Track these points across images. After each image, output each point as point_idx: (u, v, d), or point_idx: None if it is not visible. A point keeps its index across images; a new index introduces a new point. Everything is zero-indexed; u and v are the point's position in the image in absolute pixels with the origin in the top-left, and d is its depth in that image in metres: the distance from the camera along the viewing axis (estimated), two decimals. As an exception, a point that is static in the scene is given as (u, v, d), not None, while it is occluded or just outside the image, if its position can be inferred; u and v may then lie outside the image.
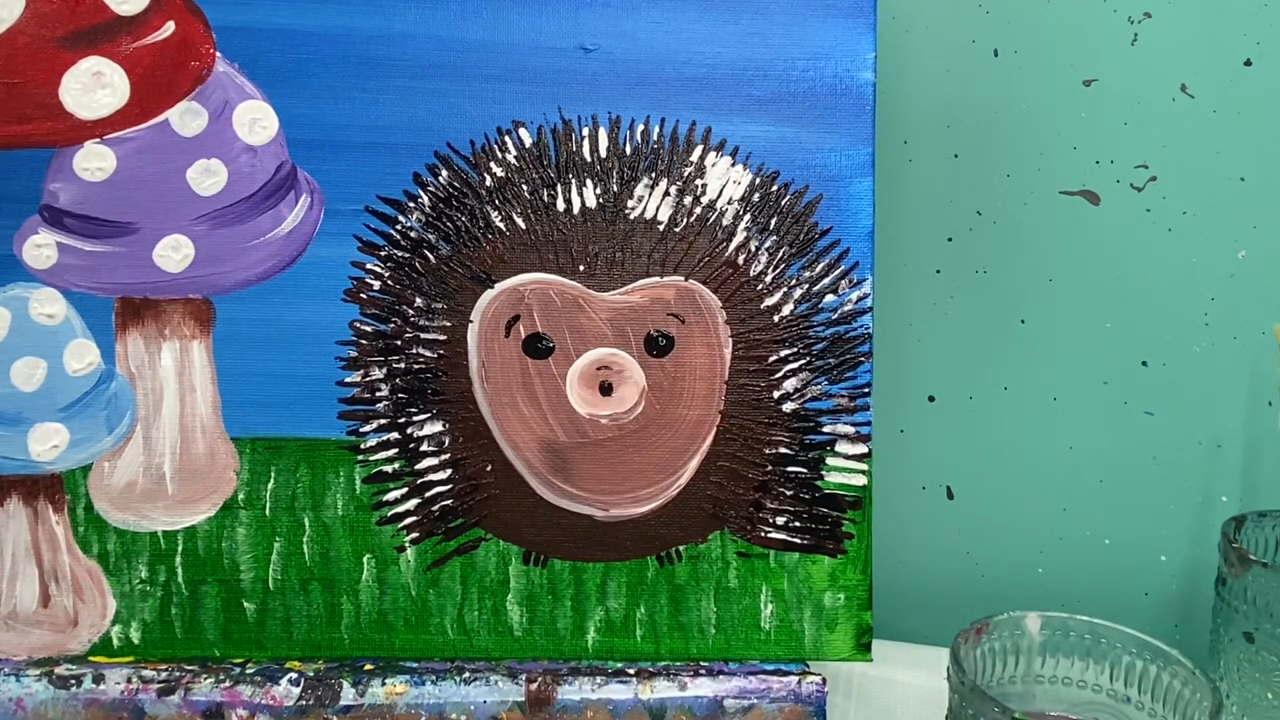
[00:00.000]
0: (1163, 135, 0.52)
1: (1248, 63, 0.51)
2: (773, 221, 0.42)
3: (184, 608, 0.43)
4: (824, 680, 0.42)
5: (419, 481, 0.43)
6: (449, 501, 0.43)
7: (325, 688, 0.42)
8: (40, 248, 0.42)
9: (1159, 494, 0.55)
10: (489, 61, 0.42)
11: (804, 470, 0.43)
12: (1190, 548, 0.56)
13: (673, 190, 0.42)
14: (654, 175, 0.42)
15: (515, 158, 0.42)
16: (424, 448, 0.42)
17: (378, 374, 0.42)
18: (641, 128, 0.42)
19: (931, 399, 0.56)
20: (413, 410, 0.42)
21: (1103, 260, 0.54)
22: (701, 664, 0.43)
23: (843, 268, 0.42)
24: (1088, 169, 0.53)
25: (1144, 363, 0.54)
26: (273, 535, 0.43)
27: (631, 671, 0.42)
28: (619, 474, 0.42)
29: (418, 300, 0.42)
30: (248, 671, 0.42)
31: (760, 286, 0.42)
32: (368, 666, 0.43)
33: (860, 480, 0.43)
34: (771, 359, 0.42)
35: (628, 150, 0.42)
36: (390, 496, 0.43)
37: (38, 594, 0.43)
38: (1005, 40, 0.52)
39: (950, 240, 0.55)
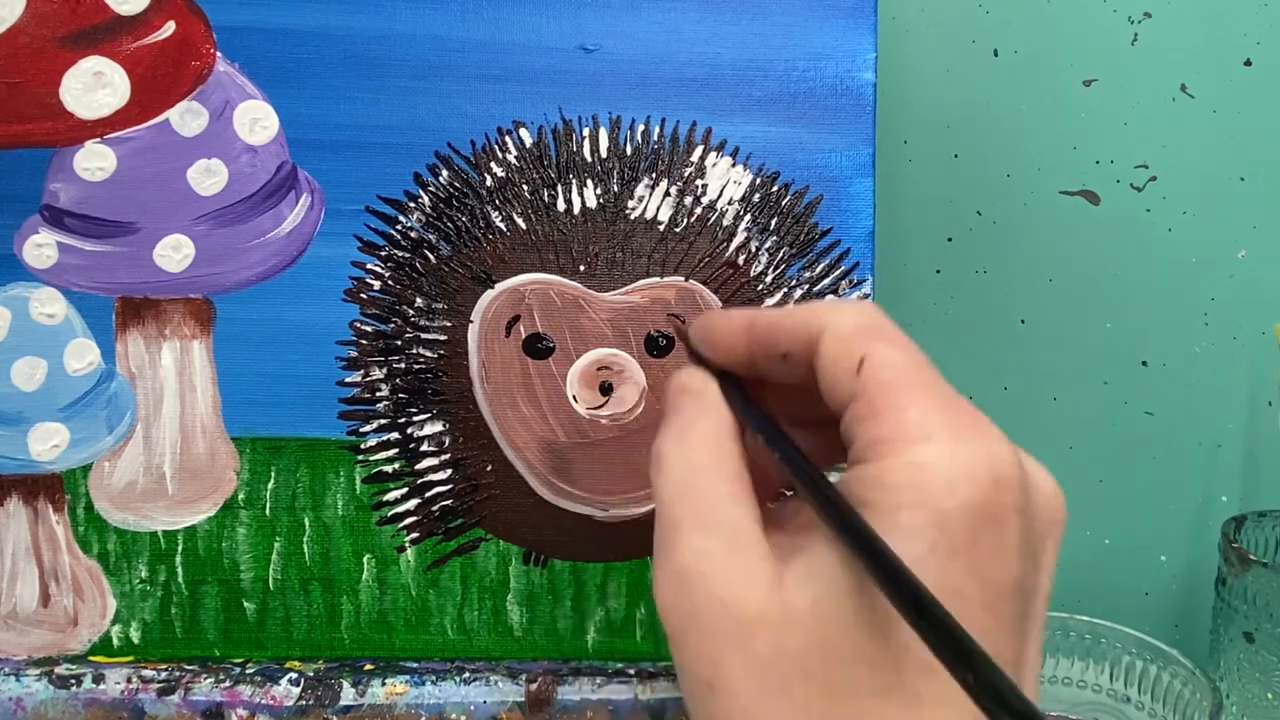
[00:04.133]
0: (1163, 135, 0.52)
1: (1248, 63, 0.51)
2: (773, 222, 0.42)
3: (184, 607, 0.43)
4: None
5: (419, 481, 0.43)
6: (449, 501, 0.43)
7: (325, 688, 0.42)
8: (40, 247, 0.42)
9: (1159, 494, 0.55)
10: (489, 61, 0.42)
11: (804, 470, 0.43)
12: (1190, 548, 0.56)
13: (673, 190, 0.42)
14: (654, 175, 0.42)
15: (516, 158, 0.42)
16: (424, 448, 0.42)
17: (378, 374, 0.42)
18: (642, 128, 0.42)
19: (931, 399, 0.56)
20: (413, 410, 0.42)
21: (1103, 260, 0.54)
22: (701, 664, 0.43)
23: (843, 268, 0.42)
24: (1088, 169, 0.53)
25: (1144, 363, 0.54)
26: (273, 535, 0.43)
27: (631, 672, 0.42)
28: (619, 474, 0.42)
29: (418, 300, 0.42)
30: (248, 671, 0.42)
31: (761, 287, 0.42)
32: (368, 666, 0.43)
33: (860, 480, 0.43)
34: (772, 359, 0.42)
35: (628, 150, 0.42)
36: (390, 496, 0.43)
37: (38, 594, 0.43)
38: (1005, 40, 0.52)
39: (950, 240, 0.55)
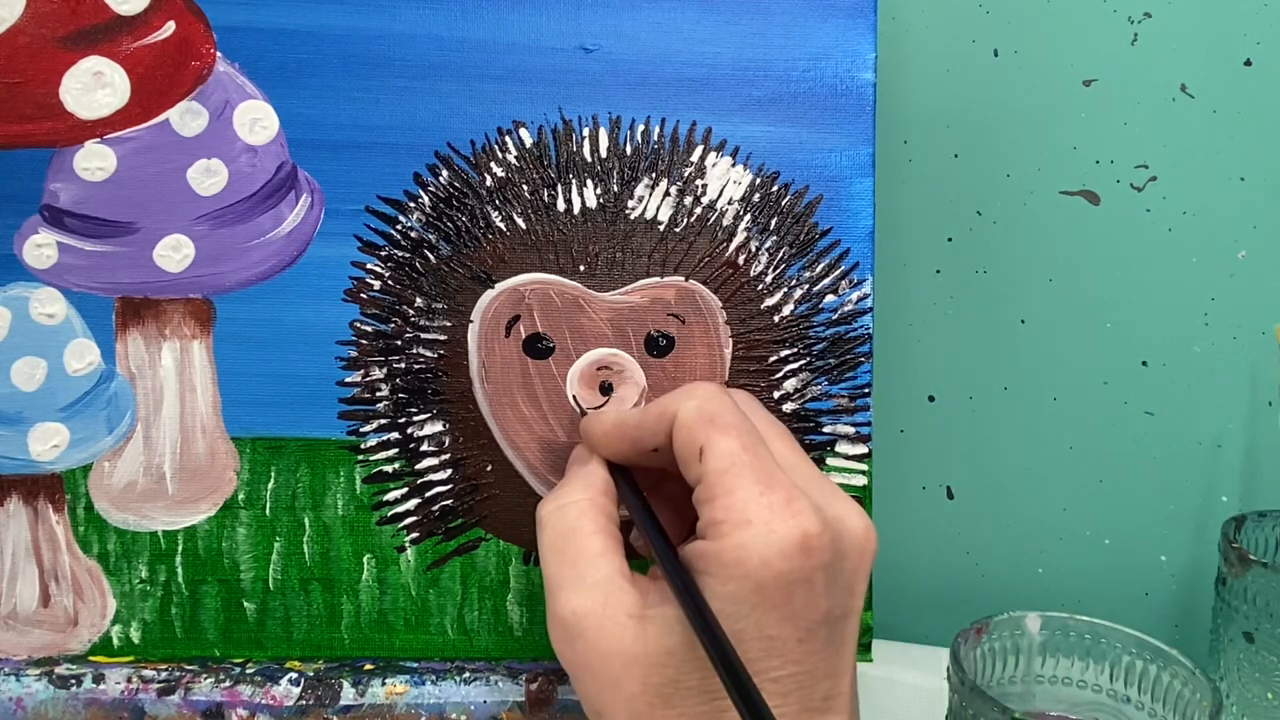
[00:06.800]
0: (1163, 135, 0.52)
1: (1248, 63, 0.51)
2: (773, 222, 0.42)
3: (184, 607, 0.43)
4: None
5: (419, 481, 0.43)
6: (449, 501, 0.43)
7: (325, 688, 0.42)
8: (40, 247, 0.42)
9: (1159, 494, 0.55)
10: (489, 61, 0.42)
11: (804, 470, 0.43)
12: (1190, 548, 0.56)
13: (673, 190, 0.42)
14: (654, 175, 0.42)
15: (515, 158, 0.42)
16: (424, 448, 0.42)
17: (378, 374, 0.42)
18: (642, 128, 0.42)
19: (931, 399, 0.56)
20: (413, 410, 0.42)
21: (1103, 260, 0.54)
22: (701, 664, 0.43)
23: (843, 268, 0.42)
24: (1088, 169, 0.53)
25: (1144, 363, 0.54)
26: (273, 535, 0.43)
27: (632, 671, 0.42)
28: (619, 474, 0.42)
29: (418, 300, 0.42)
30: (248, 671, 0.42)
31: (760, 287, 0.42)
32: (368, 666, 0.43)
33: (860, 480, 0.43)
34: (771, 359, 0.42)
35: (628, 150, 0.42)
36: (390, 496, 0.43)
37: (38, 594, 0.43)
38: (1005, 40, 0.52)
39: (950, 240, 0.55)
